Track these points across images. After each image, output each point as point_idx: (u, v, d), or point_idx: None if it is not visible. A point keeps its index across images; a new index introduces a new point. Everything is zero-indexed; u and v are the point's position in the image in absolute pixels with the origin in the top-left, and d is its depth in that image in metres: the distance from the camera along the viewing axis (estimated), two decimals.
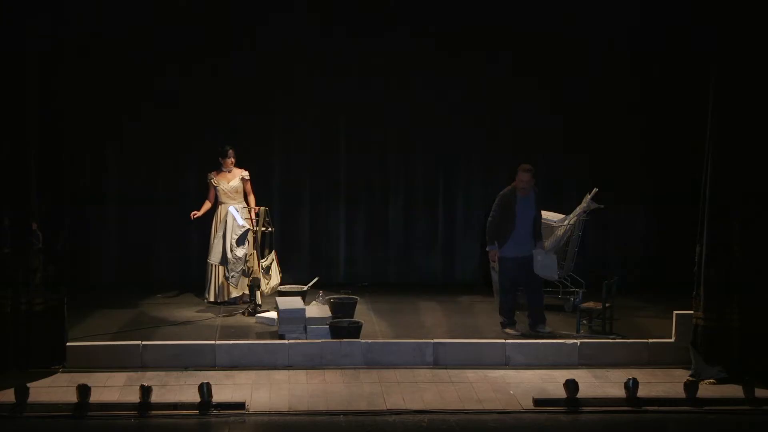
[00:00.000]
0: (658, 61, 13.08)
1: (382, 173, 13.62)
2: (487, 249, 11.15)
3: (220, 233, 11.87)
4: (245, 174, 12.19)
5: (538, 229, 11.07)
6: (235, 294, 12.03)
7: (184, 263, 13.24)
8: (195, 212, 12.15)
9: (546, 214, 11.78)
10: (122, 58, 12.73)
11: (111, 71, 12.75)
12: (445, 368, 10.04)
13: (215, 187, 12.09)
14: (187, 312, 11.80)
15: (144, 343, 10.15)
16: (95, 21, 12.26)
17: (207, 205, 12.16)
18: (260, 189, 12.47)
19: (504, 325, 10.97)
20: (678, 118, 12.99)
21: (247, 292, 11.90)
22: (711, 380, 9.69)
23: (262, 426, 8.72)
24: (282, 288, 11.80)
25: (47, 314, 9.82)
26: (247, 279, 11.81)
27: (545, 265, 10.92)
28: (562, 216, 11.94)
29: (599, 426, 8.89)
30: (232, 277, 11.72)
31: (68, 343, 9.98)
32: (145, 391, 8.87)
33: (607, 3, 12.73)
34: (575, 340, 10.39)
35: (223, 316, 11.61)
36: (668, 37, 12.83)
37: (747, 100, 9.66)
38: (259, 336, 10.76)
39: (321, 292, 11.69)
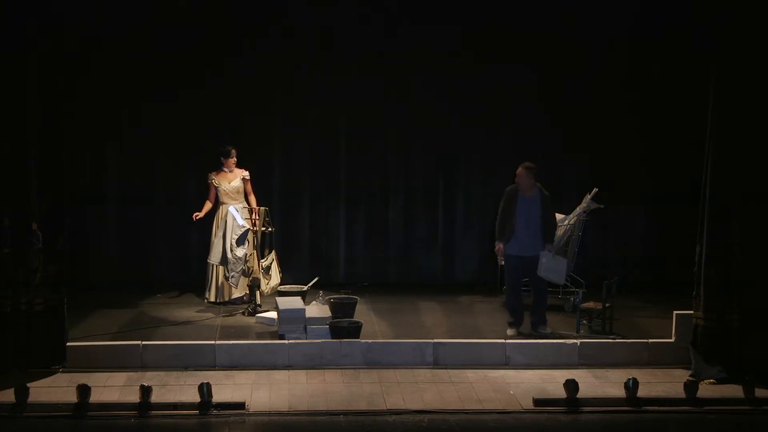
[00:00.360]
0: (658, 60, 13.08)
1: (382, 173, 13.62)
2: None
3: (220, 233, 11.87)
4: (246, 174, 12.18)
5: (546, 232, 10.89)
6: (237, 294, 12.02)
7: (184, 263, 13.24)
8: (197, 213, 12.12)
9: None
10: (122, 58, 12.74)
11: (111, 71, 12.75)
12: (445, 368, 10.04)
13: (216, 188, 12.08)
14: (187, 312, 11.80)
15: (144, 343, 10.15)
16: (95, 21, 12.26)
17: (208, 206, 12.15)
18: (260, 189, 12.47)
19: (507, 324, 10.96)
20: (678, 118, 12.99)
21: (247, 292, 11.90)
22: (711, 380, 9.69)
23: (262, 426, 8.72)
24: (282, 288, 11.80)
25: (47, 314, 9.83)
26: (247, 279, 11.81)
27: (549, 269, 10.83)
28: (562, 216, 11.94)
29: (599, 426, 8.90)
30: (232, 277, 11.72)
31: (68, 343, 9.98)
32: (145, 391, 8.87)
33: (608, 3, 12.73)
34: (575, 340, 10.39)
35: (223, 316, 11.61)
36: (668, 37, 12.83)
37: (747, 100, 9.66)
38: (259, 336, 10.76)
39: (321, 292, 11.69)
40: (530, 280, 11.01)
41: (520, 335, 10.72)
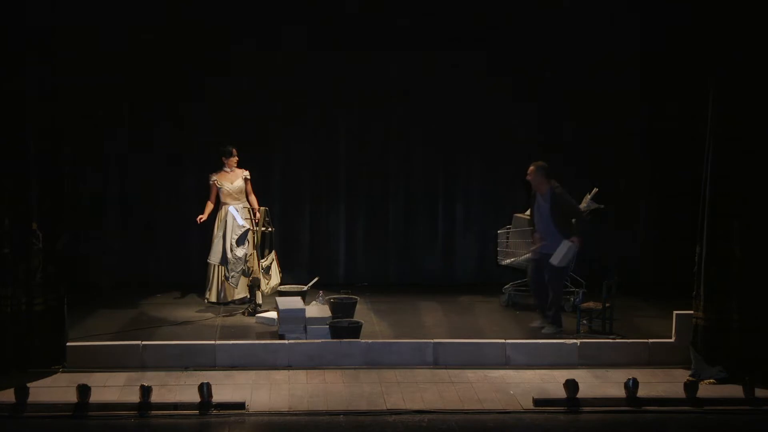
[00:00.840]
0: (659, 61, 13.06)
1: (382, 173, 13.61)
2: None
3: (220, 233, 11.87)
4: (247, 174, 12.17)
5: (561, 226, 10.79)
6: (241, 295, 11.99)
7: (184, 263, 13.23)
8: (201, 216, 12.04)
9: None
10: (122, 57, 12.72)
11: (110, 70, 12.74)
12: (445, 368, 10.04)
13: (219, 188, 12.04)
14: (187, 312, 11.81)
15: (144, 343, 10.15)
16: (95, 19, 12.25)
17: (210, 207, 12.08)
18: (260, 189, 12.46)
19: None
20: (679, 117, 12.99)
21: (248, 293, 11.91)
22: (711, 380, 9.69)
23: (262, 426, 8.72)
24: (282, 288, 11.80)
25: (47, 314, 9.83)
26: (247, 279, 11.81)
27: (559, 252, 10.71)
28: None
29: (599, 426, 8.89)
30: (232, 277, 11.73)
31: (68, 343, 9.98)
32: (145, 391, 8.87)
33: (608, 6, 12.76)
34: (575, 340, 10.39)
35: (223, 316, 11.61)
36: (669, 38, 12.80)
37: (747, 100, 9.65)
38: (259, 336, 10.76)
39: (321, 292, 11.68)
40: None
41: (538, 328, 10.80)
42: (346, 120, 13.44)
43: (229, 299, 12.05)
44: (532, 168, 10.89)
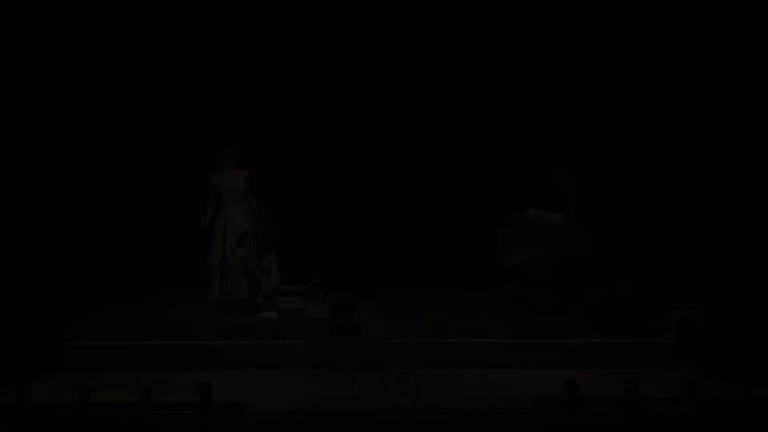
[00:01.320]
0: (659, 62, 13.04)
1: (383, 173, 13.60)
2: None
3: (221, 233, 11.87)
4: (246, 173, 12.16)
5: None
6: (242, 295, 11.99)
7: (185, 263, 13.21)
8: (204, 218, 12.05)
9: (546, 214, 11.81)
10: (121, 56, 12.72)
11: (110, 70, 12.73)
12: (445, 368, 10.04)
13: (219, 189, 12.03)
14: (187, 312, 11.80)
15: (144, 343, 10.15)
16: (93, 18, 12.24)
17: (211, 208, 12.07)
18: (260, 189, 12.46)
19: None
20: (678, 116, 12.97)
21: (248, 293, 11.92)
22: (711, 380, 9.69)
23: (262, 426, 8.71)
24: (282, 288, 11.79)
25: (47, 315, 9.83)
26: (247, 279, 11.81)
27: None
28: (563, 216, 11.94)
29: (599, 426, 8.88)
30: (233, 277, 11.73)
31: (68, 344, 9.98)
32: (145, 391, 8.86)
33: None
34: (575, 340, 10.39)
35: (223, 316, 11.61)
36: (667, 36, 12.79)
37: (748, 95, 9.66)
38: (259, 336, 10.75)
39: (321, 292, 11.68)
40: None
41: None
42: (346, 119, 13.43)
43: (230, 300, 12.04)
44: (559, 167, 10.99)
